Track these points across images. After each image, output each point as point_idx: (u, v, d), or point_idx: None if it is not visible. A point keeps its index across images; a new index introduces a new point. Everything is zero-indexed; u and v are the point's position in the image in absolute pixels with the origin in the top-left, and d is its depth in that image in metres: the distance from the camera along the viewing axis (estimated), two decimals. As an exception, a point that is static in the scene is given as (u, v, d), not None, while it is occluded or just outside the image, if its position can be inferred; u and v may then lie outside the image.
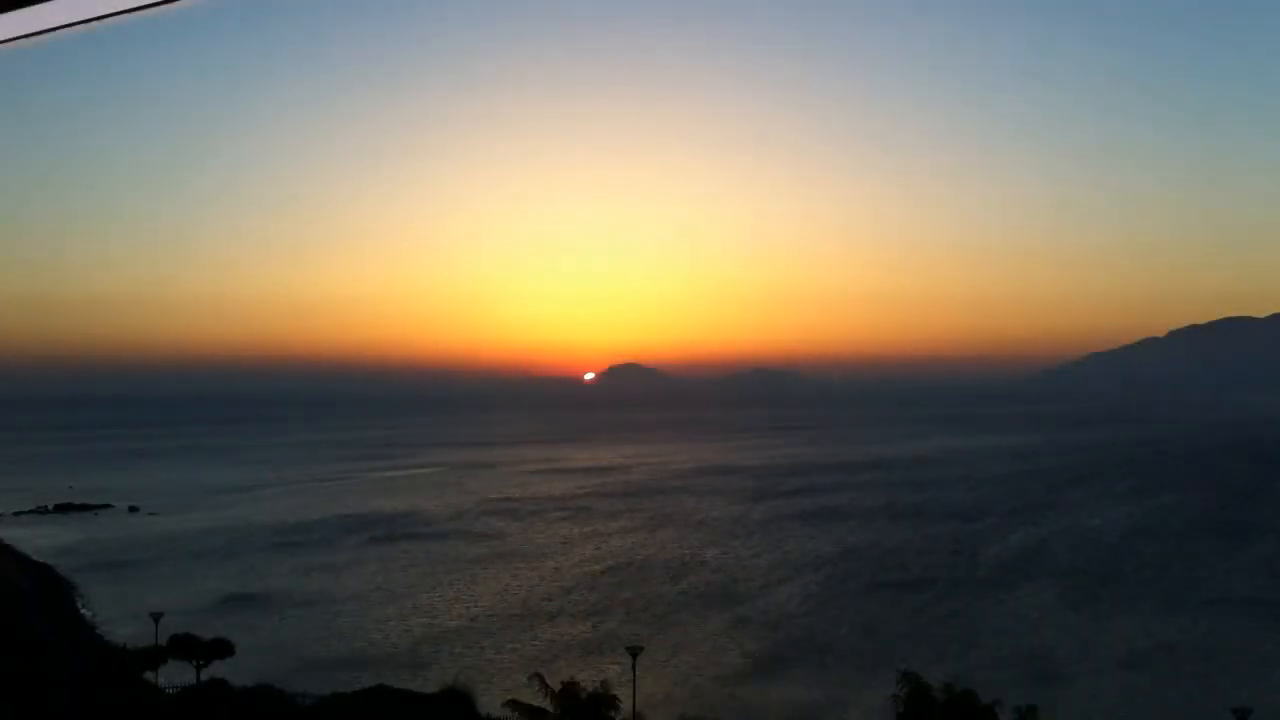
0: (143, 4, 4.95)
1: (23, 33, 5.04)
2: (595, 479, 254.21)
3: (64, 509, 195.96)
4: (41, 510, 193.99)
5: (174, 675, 68.92)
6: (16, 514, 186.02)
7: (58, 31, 5.03)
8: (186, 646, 70.83)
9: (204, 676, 67.92)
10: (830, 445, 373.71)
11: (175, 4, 5.03)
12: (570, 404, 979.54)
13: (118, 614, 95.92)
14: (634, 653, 66.80)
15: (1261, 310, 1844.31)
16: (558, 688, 54.08)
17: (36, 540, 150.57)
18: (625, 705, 59.40)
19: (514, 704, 54.64)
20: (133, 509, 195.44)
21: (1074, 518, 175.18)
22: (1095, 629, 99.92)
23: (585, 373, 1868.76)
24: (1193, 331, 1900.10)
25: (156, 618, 75.48)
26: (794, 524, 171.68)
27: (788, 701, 78.84)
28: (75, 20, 4.99)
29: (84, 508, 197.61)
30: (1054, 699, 70.04)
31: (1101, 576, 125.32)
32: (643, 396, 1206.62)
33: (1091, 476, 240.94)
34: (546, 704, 53.48)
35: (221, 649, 71.54)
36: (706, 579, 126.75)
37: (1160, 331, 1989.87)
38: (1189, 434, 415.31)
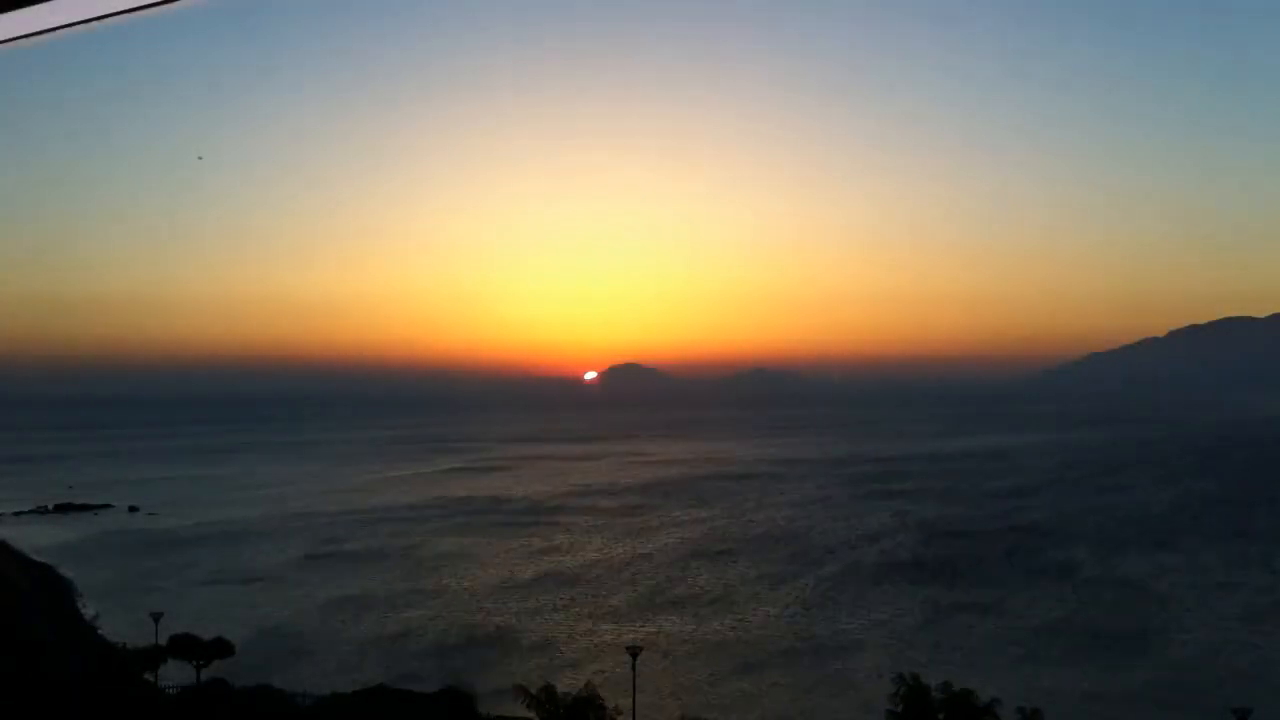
0: (143, 4, 4.95)
1: (23, 33, 5.04)
2: (690, 469, 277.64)
3: (64, 509, 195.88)
4: (41, 510, 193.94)
5: (174, 675, 68.89)
6: (16, 514, 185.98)
7: (58, 31, 5.03)
8: (186, 646, 70.80)
9: (204, 676, 67.89)
10: (883, 441, 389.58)
11: (175, 4, 5.03)
12: (581, 404, 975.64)
13: (118, 614, 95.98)
14: (634, 653, 66.75)
15: (1261, 310, 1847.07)
16: (538, 693, 54.16)
17: (36, 540, 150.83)
18: (624, 705, 59.41)
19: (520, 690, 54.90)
20: (133, 509, 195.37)
21: (1132, 496, 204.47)
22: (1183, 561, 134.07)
23: (585, 373, 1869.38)
24: (1193, 331, 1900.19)
25: (156, 618, 75.40)
26: (897, 501, 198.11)
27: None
28: (75, 20, 4.99)
29: (84, 508, 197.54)
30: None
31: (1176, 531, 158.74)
32: (643, 397, 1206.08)
33: (1125, 467, 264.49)
34: (531, 713, 53.51)
35: (221, 649, 71.52)
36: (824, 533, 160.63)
37: (1160, 331, 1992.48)
38: (1197, 432, 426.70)
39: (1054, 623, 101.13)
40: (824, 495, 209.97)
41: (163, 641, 71.97)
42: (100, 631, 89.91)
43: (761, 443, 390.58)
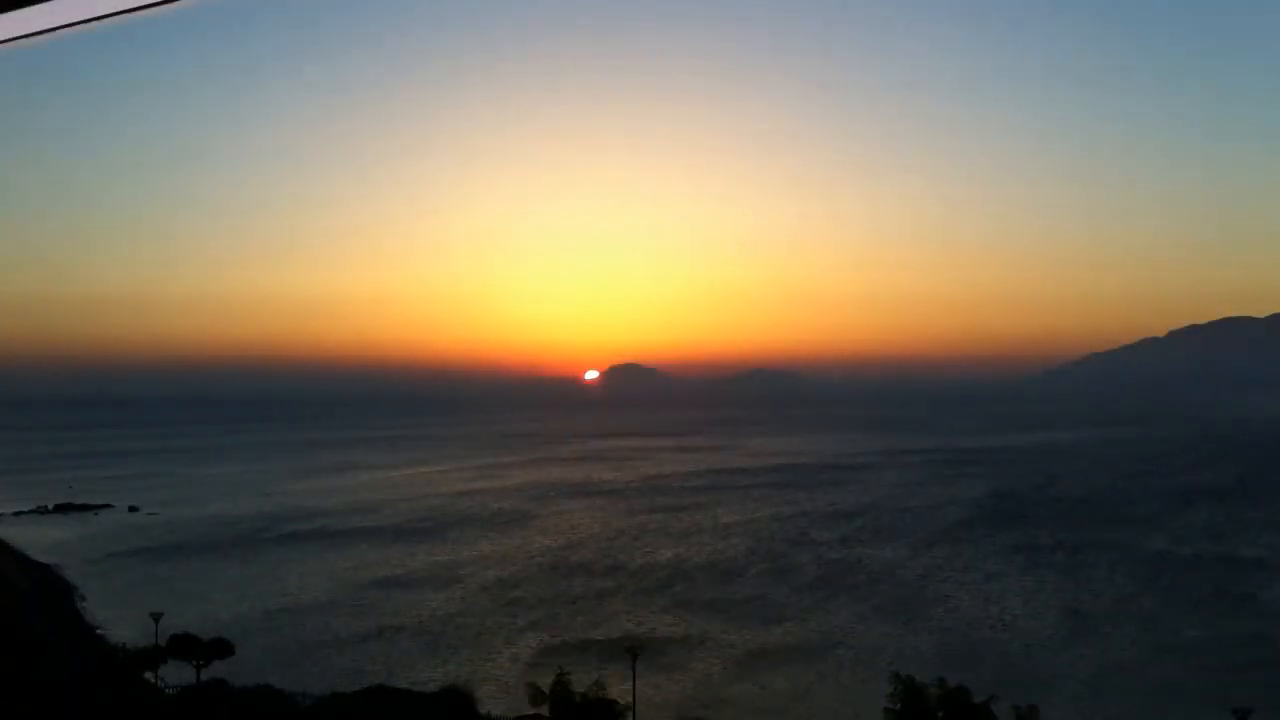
0: (143, 4, 4.94)
1: (23, 33, 5.04)
2: (795, 459, 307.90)
3: (64, 509, 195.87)
4: (41, 510, 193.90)
5: (174, 675, 68.87)
6: (16, 514, 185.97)
7: (58, 31, 5.02)
8: (186, 646, 70.76)
9: (204, 676, 67.87)
10: (925, 437, 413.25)
11: (175, 4, 5.03)
12: (607, 404, 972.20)
13: (118, 614, 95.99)
14: (634, 653, 66.74)
15: (1261, 310, 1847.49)
16: (548, 690, 54.08)
17: (36, 540, 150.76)
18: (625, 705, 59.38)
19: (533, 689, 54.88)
20: (133, 509, 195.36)
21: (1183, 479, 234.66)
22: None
23: (585, 373, 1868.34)
24: (1193, 331, 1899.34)
25: (156, 618, 75.41)
26: (992, 482, 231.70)
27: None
28: (75, 20, 4.99)
29: (84, 508, 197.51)
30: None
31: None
32: (646, 397, 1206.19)
33: (1160, 458, 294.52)
34: (543, 710, 53.45)
35: (221, 649, 71.49)
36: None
37: (1160, 331, 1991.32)
38: (1206, 430, 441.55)
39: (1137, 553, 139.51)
40: (931, 477, 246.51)
41: (163, 641, 71.95)
42: (100, 631, 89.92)
43: (834, 439, 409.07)
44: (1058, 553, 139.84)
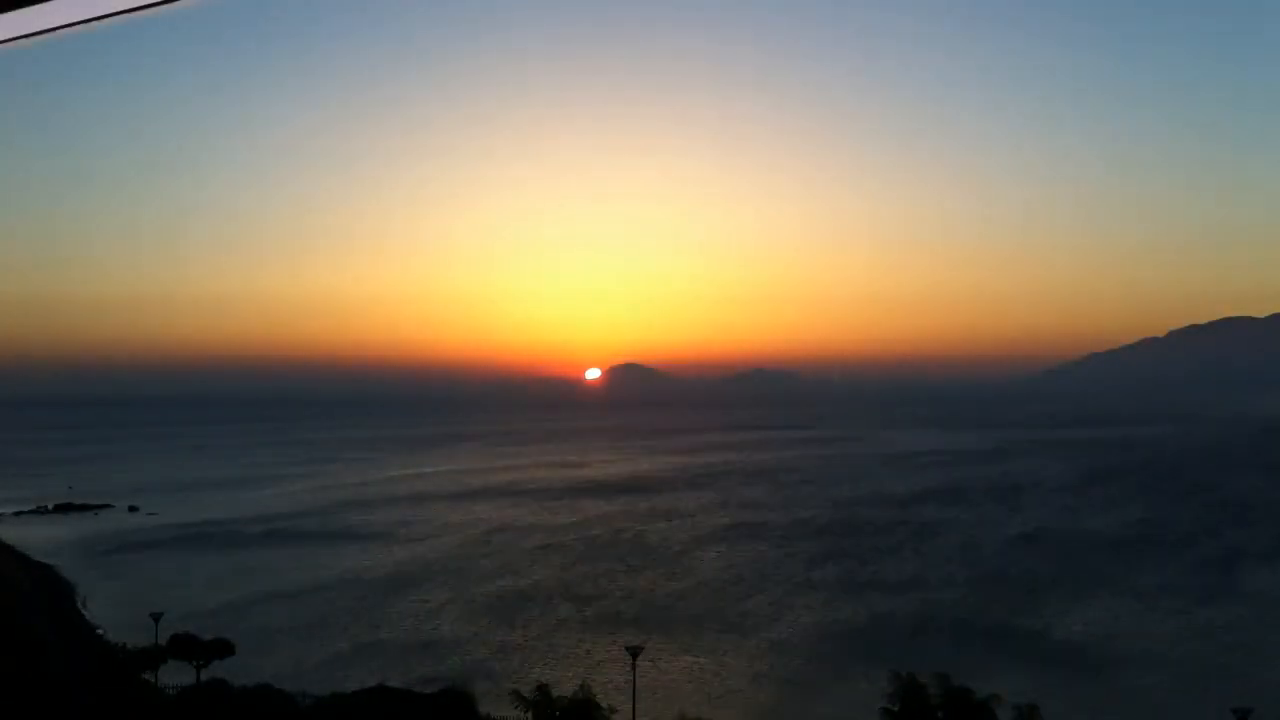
0: (143, 4, 4.95)
1: (23, 33, 5.04)
2: (943, 449, 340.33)
3: (64, 509, 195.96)
4: (41, 510, 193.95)
5: (174, 675, 68.87)
6: (17, 514, 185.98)
7: (58, 31, 5.03)
8: (186, 646, 70.76)
9: (204, 676, 67.86)
10: (977, 433, 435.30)
11: (175, 4, 5.03)
12: (625, 405, 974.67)
13: (118, 614, 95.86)
14: (634, 653, 66.72)
15: (1261, 310, 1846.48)
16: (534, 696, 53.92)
17: (37, 540, 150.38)
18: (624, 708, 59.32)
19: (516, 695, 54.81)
20: (133, 509, 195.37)
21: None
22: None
23: (586, 373, 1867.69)
24: (1193, 331, 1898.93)
25: (156, 618, 75.43)
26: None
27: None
28: (75, 20, 4.99)
29: (84, 508, 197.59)
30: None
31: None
32: (651, 397, 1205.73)
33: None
34: (527, 716, 53.27)
35: (221, 649, 71.47)
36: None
37: (1160, 331, 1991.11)
38: (1217, 428, 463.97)
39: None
40: (1055, 464, 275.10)
41: (163, 641, 71.93)
42: (100, 631, 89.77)
43: (935, 436, 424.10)
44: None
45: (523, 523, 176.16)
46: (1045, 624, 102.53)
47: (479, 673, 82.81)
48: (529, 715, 53.26)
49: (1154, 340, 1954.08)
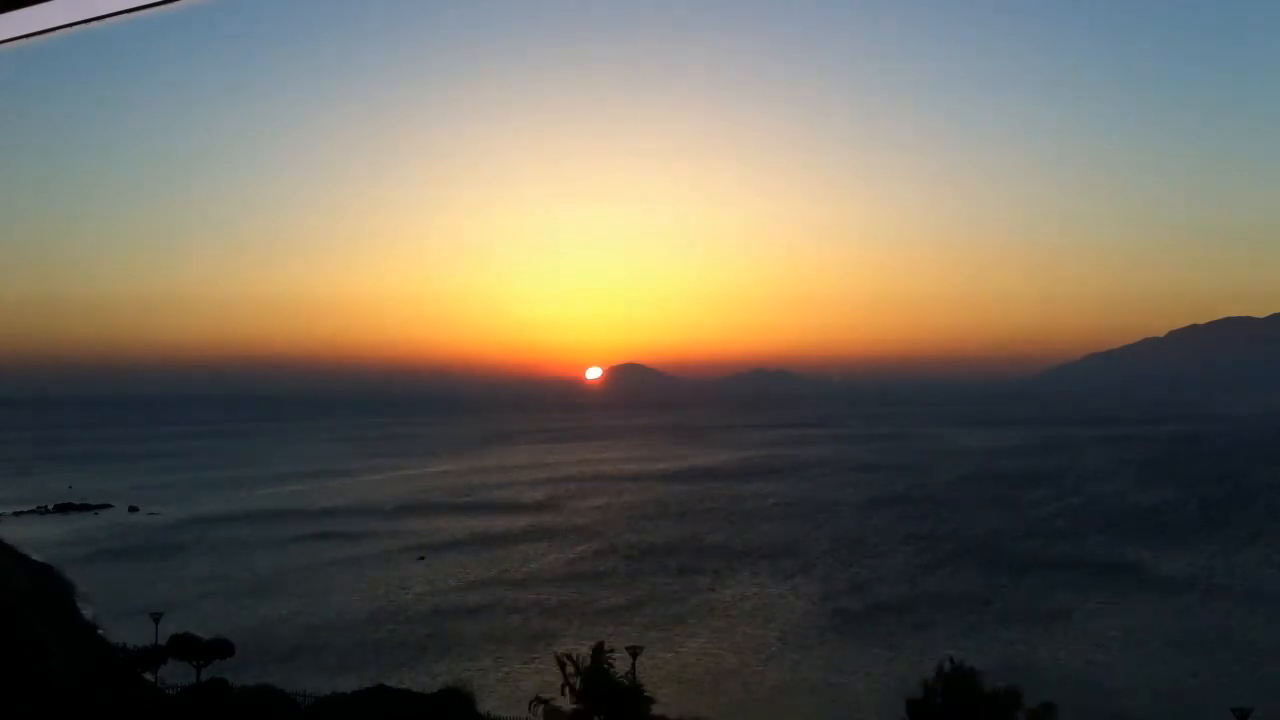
0: (143, 4, 4.95)
1: (23, 33, 5.04)
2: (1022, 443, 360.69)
3: (64, 509, 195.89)
4: (41, 510, 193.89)
5: (174, 675, 68.88)
6: (17, 514, 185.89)
7: (58, 31, 5.03)
8: (186, 646, 70.74)
9: (204, 676, 67.86)
10: (1016, 429, 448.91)
11: (175, 4, 5.03)
12: (642, 405, 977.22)
13: (118, 614, 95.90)
14: (634, 653, 66.69)
15: (1261, 310, 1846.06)
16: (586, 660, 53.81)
17: (36, 540, 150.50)
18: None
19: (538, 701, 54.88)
20: (133, 509, 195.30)
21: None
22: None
23: (587, 373, 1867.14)
24: (1193, 331, 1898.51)
25: (156, 618, 75.41)
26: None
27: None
28: (75, 20, 4.99)
29: (84, 508, 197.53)
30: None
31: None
32: (652, 397, 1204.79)
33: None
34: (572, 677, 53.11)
35: (221, 649, 71.45)
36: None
37: (1160, 331, 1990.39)
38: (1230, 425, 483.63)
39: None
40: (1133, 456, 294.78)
41: (163, 641, 71.92)
42: (100, 631, 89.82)
43: (978, 434, 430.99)
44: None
45: (686, 507, 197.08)
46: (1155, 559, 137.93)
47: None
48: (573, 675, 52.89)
49: (1154, 340, 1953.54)
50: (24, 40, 5.11)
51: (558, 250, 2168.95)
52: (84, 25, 5.04)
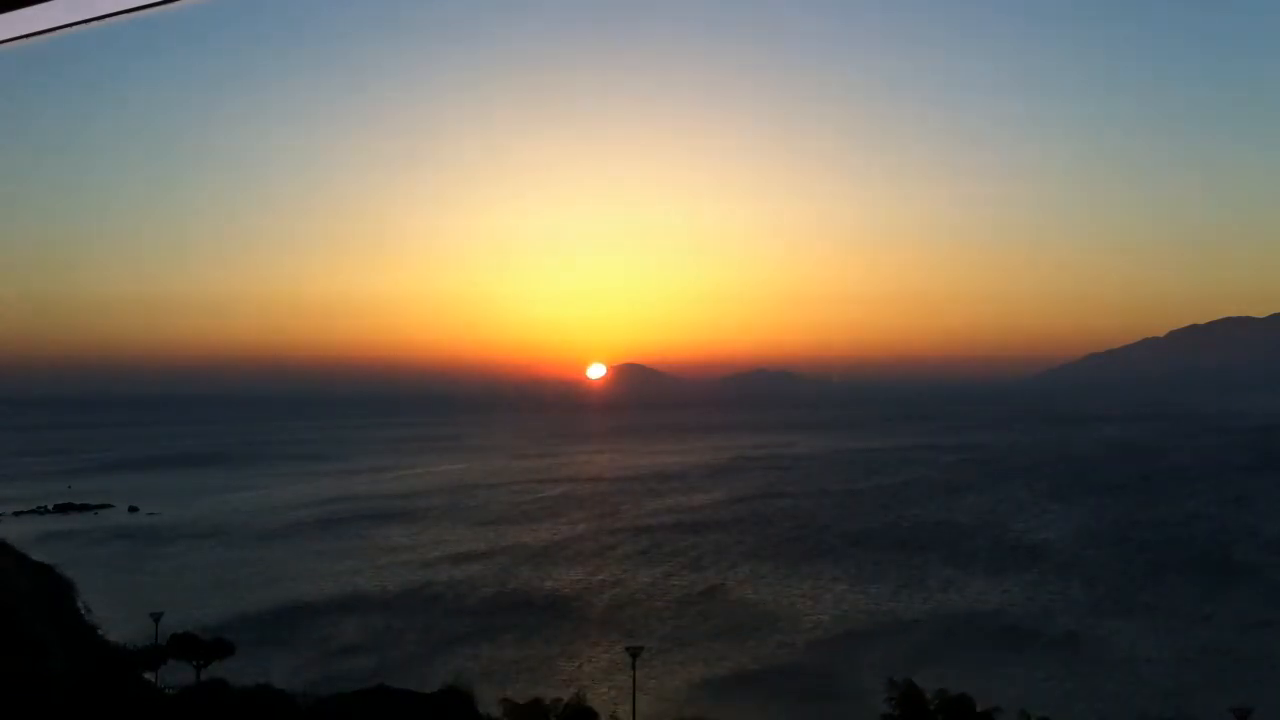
0: (143, 4, 4.95)
1: (23, 33, 5.04)
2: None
3: (64, 509, 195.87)
4: (41, 510, 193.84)
5: (174, 675, 68.89)
6: (17, 514, 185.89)
7: (57, 31, 5.02)
8: (186, 646, 70.74)
9: (204, 676, 67.86)
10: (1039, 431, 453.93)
11: (175, 4, 5.03)
12: (653, 405, 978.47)
13: (118, 614, 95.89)
14: (634, 653, 66.71)
15: (1261, 310, 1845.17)
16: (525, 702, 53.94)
17: (37, 540, 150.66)
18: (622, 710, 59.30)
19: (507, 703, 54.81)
20: (133, 509, 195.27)
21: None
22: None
23: (588, 374, 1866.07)
24: (1193, 331, 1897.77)
25: (156, 618, 75.40)
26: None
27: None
28: (75, 20, 4.99)
29: (84, 508, 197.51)
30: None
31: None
32: (655, 397, 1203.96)
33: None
34: None
35: (221, 649, 71.45)
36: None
37: (1160, 331, 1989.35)
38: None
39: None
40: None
41: (163, 641, 71.91)
42: (100, 631, 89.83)
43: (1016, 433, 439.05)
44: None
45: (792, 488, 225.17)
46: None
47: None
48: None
49: (1154, 340, 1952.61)
50: (24, 40, 5.11)
51: (558, 250, 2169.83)
52: (84, 25, 5.04)
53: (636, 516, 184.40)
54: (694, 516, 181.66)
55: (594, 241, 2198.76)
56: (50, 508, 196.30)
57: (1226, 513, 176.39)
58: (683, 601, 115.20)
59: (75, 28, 5.03)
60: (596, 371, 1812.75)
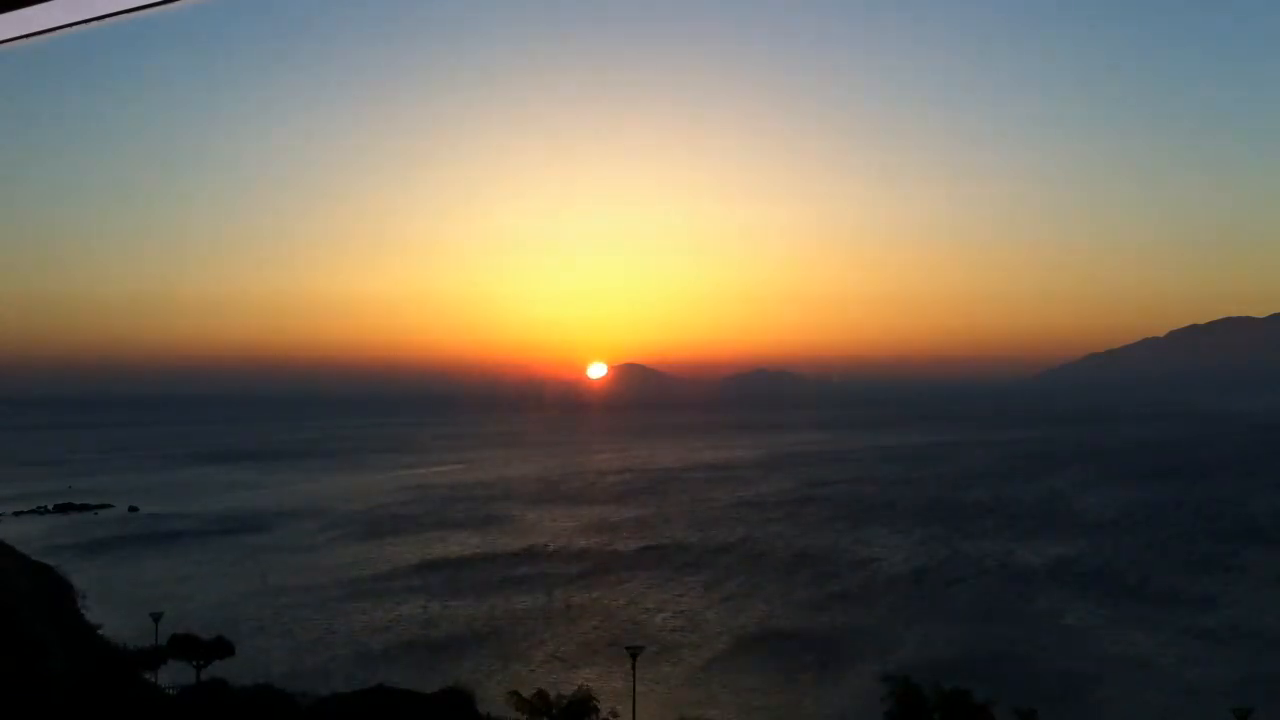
0: (143, 4, 4.94)
1: (23, 33, 5.04)
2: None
3: (64, 509, 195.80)
4: (41, 510, 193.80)
5: (174, 675, 68.89)
6: (17, 514, 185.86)
7: (57, 31, 5.02)
8: (186, 646, 70.74)
9: (204, 676, 67.87)
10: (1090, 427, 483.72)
11: (175, 4, 5.03)
12: (665, 405, 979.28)
13: (118, 614, 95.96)
14: (634, 653, 66.73)
15: (1261, 310, 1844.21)
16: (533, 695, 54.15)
17: (36, 540, 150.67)
18: (620, 707, 59.38)
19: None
20: (133, 509, 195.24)
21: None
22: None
23: (589, 374, 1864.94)
24: (1193, 331, 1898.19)
25: (156, 618, 75.40)
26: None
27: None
28: (75, 20, 4.98)
29: (84, 508, 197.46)
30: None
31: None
32: (657, 397, 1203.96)
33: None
34: (522, 717, 53.35)
35: (221, 649, 71.45)
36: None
37: (1160, 331, 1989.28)
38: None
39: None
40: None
41: (163, 641, 71.91)
42: (100, 631, 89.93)
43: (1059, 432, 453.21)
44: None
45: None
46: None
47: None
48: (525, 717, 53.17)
49: (1154, 340, 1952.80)
50: (24, 40, 5.10)
51: (558, 250, 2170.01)
52: (84, 25, 5.03)
53: (728, 498, 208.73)
54: (778, 498, 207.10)
55: (594, 241, 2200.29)
56: (50, 508, 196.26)
57: (1270, 495, 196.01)
58: (801, 555, 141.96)
59: (75, 28, 5.03)
60: (597, 371, 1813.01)
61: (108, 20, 5.02)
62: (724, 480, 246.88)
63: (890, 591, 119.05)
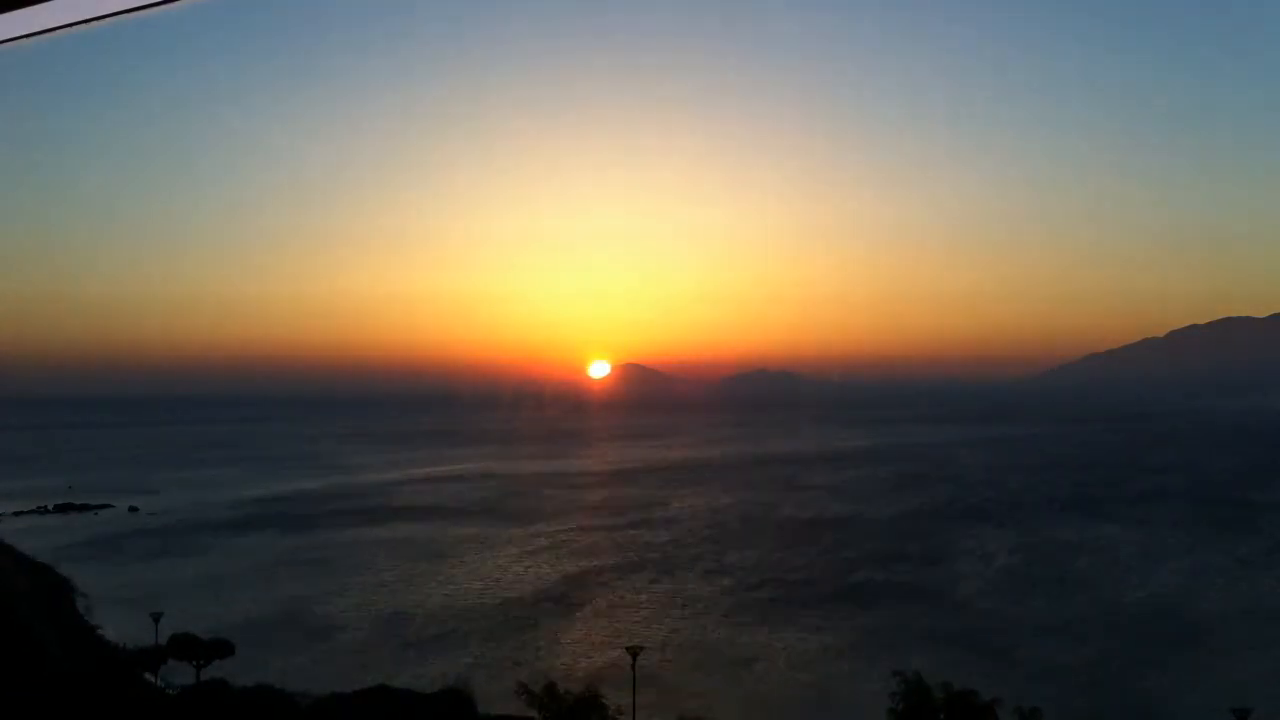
0: (143, 4, 4.94)
1: (23, 33, 5.03)
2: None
3: (64, 509, 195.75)
4: (41, 510, 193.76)
5: (174, 675, 68.89)
6: (17, 514, 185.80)
7: (57, 31, 5.02)
8: (186, 646, 70.73)
9: (204, 676, 67.86)
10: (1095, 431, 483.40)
11: (175, 4, 5.02)
12: (669, 406, 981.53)
13: (118, 614, 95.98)
14: (634, 653, 66.72)
15: (1261, 310, 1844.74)
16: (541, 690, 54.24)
17: (36, 540, 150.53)
18: (622, 703, 59.37)
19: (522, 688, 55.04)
20: (133, 509, 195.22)
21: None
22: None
23: (591, 374, 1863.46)
24: (1193, 331, 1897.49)
25: (156, 618, 75.40)
26: None
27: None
28: (75, 20, 4.98)
29: (84, 508, 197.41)
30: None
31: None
32: (658, 397, 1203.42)
33: None
34: (533, 713, 53.47)
35: (221, 649, 71.45)
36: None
37: (1160, 331, 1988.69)
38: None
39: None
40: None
41: (163, 641, 71.91)
42: (100, 631, 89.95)
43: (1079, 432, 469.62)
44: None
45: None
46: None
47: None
48: (533, 711, 53.19)
49: (1154, 340, 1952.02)
50: (24, 40, 5.10)
51: (558, 250, 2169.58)
52: (84, 25, 5.03)
53: (811, 488, 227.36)
54: (865, 487, 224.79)
55: (596, 241, 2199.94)
56: (50, 508, 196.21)
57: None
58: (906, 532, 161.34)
59: (75, 28, 5.02)
60: (600, 370, 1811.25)
61: (108, 20, 5.02)
62: (801, 471, 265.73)
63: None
